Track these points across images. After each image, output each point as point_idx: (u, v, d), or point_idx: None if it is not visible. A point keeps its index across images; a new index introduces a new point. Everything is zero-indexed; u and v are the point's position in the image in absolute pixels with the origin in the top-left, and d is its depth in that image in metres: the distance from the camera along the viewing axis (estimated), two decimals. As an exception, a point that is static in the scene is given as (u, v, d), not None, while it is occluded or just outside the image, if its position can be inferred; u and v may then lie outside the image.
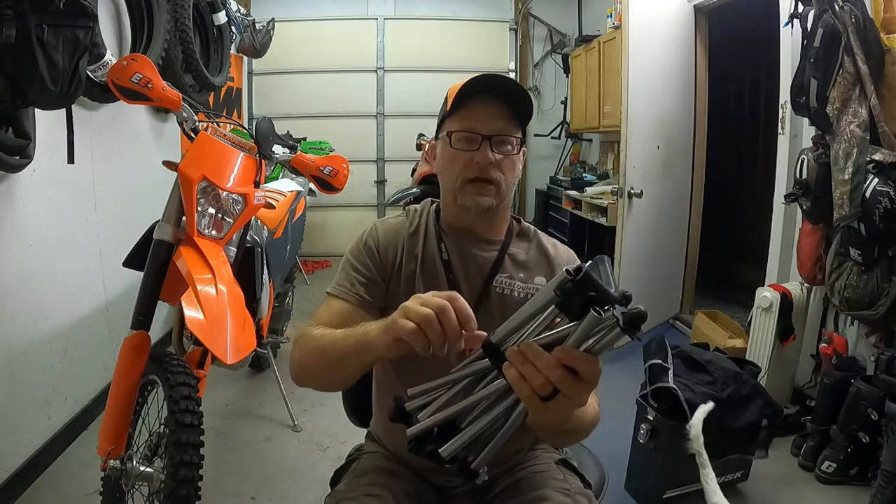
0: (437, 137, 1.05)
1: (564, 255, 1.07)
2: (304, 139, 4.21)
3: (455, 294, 0.71)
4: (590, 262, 0.65)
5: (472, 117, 0.96)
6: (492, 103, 0.96)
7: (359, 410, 1.21)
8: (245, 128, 2.08)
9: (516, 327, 0.66)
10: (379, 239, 1.04)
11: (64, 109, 1.79)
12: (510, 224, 1.07)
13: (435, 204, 1.09)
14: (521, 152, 1.01)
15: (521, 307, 0.66)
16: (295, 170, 2.01)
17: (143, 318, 1.54)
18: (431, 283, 1.01)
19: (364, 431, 1.21)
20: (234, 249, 1.82)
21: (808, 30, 2.07)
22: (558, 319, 0.64)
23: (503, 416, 0.67)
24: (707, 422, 1.78)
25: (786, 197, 2.39)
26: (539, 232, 1.10)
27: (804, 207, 2.26)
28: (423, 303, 0.71)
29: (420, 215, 1.07)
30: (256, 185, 1.80)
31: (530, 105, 0.99)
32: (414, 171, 4.46)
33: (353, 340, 0.82)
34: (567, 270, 0.58)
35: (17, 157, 1.73)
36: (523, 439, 1.08)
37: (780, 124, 2.61)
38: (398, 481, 0.99)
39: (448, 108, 0.98)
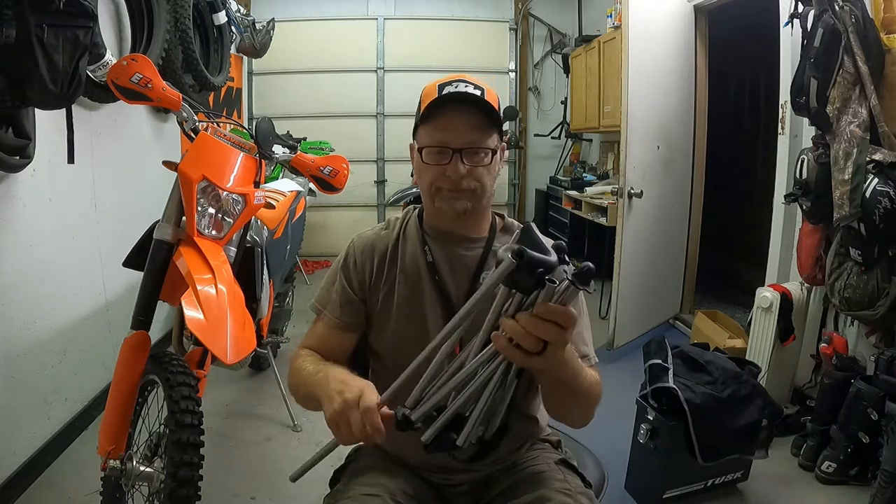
0: (413, 140, 1.05)
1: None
2: (304, 139, 4.20)
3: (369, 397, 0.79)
4: (519, 232, 0.74)
5: (443, 129, 0.95)
6: (464, 112, 0.94)
7: None
8: (245, 128, 2.07)
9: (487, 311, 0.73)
10: (356, 255, 1.06)
11: (64, 109, 1.78)
12: (493, 221, 1.08)
13: (418, 209, 1.10)
14: (500, 149, 1.01)
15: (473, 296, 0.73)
16: (295, 170, 2.01)
17: (143, 318, 1.53)
18: (414, 286, 1.02)
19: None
20: (234, 249, 1.82)
21: (808, 30, 2.07)
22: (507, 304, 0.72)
23: (499, 385, 0.75)
24: (707, 421, 1.79)
25: (786, 197, 2.39)
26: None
27: (804, 207, 2.26)
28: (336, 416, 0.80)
29: (401, 222, 1.09)
30: (256, 185, 1.80)
31: (498, 115, 0.98)
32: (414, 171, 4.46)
33: (320, 394, 0.88)
34: (511, 255, 0.65)
35: (17, 157, 1.73)
36: (523, 437, 1.09)
37: (780, 124, 2.61)
38: (396, 480, 0.99)
39: (421, 114, 0.97)
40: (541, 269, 0.66)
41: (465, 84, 0.96)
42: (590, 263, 0.68)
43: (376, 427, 0.78)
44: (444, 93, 0.95)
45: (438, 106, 0.94)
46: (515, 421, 1.03)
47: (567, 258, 0.71)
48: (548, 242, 0.74)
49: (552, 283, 0.65)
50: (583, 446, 1.28)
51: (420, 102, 1.00)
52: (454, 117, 0.94)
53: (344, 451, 1.01)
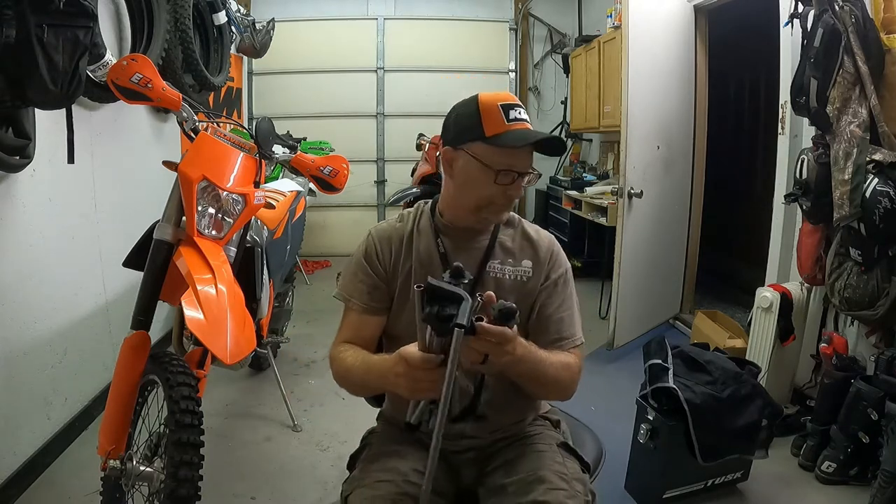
0: (457, 147, 1.08)
1: (546, 239, 1.20)
2: (304, 139, 4.21)
3: (416, 357, 0.89)
4: (423, 296, 0.83)
5: (514, 156, 1.05)
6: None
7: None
8: (245, 128, 2.08)
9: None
10: (377, 243, 1.16)
11: (64, 109, 1.78)
12: None
13: (429, 204, 1.19)
14: None
15: None
16: (295, 170, 2.01)
17: (143, 318, 1.54)
18: (429, 274, 1.09)
19: (371, 420, 1.27)
20: (234, 249, 1.82)
21: (808, 30, 2.07)
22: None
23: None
24: (707, 421, 1.79)
25: (786, 197, 2.39)
26: (523, 220, 1.23)
27: (804, 207, 2.26)
28: (414, 379, 0.90)
29: (414, 216, 1.18)
30: (256, 185, 1.80)
31: (561, 149, 1.12)
32: (414, 171, 4.45)
33: (377, 378, 1.01)
34: (456, 328, 0.79)
35: (17, 157, 1.73)
36: (523, 411, 1.18)
37: (780, 124, 2.61)
38: (406, 461, 1.07)
39: (486, 132, 1.04)
40: (474, 318, 0.83)
41: (522, 110, 1.07)
42: (513, 305, 0.85)
43: (432, 363, 0.87)
44: (510, 118, 1.04)
45: (515, 139, 1.04)
46: (516, 396, 1.13)
47: (463, 273, 0.87)
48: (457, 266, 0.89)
49: (479, 320, 0.84)
50: (581, 423, 1.33)
51: (480, 116, 1.05)
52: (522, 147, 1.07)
53: (344, 450, 1.01)
